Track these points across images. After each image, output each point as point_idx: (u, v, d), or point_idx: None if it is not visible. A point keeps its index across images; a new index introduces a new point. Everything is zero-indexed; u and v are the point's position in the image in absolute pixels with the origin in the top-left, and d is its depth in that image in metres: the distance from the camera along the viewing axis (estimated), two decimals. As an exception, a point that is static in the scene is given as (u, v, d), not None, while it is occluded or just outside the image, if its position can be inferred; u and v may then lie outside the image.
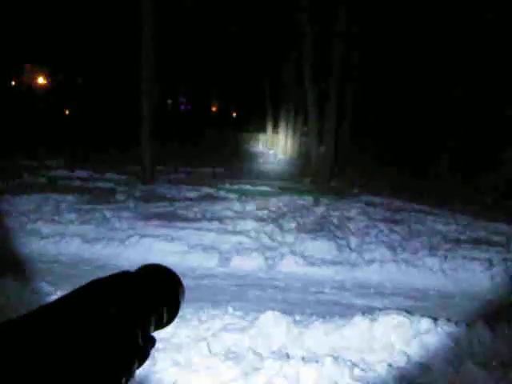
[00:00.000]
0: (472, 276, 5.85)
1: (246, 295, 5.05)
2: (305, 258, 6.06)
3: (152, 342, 0.62)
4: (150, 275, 0.68)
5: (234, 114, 38.98)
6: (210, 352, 3.52)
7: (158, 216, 7.84)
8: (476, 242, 7.31)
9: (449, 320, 4.18)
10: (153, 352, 0.60)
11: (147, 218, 7.65)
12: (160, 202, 9.11)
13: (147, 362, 0.59)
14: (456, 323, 4.09)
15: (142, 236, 6.48)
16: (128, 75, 18.26)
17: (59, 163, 14.10)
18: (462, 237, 7.69)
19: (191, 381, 3.23)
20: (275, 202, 9.47)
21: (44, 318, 0.49)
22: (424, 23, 15.28)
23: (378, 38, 16.10)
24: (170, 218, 7.79)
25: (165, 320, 0.67)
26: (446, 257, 6.23)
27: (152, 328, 0.63)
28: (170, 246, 6.27)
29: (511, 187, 13.67)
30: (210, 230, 6.99)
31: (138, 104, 12.29)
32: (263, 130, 24.94)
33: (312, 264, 5.97)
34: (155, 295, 0.66)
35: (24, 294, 4.38)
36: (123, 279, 0.62)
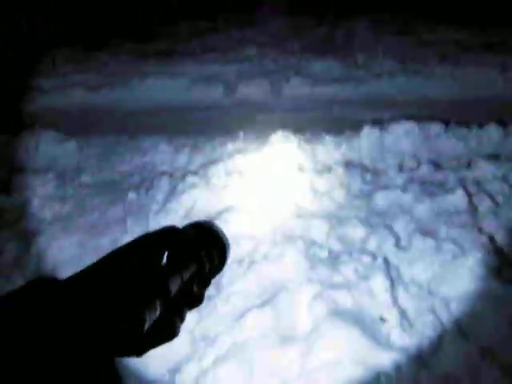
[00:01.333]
0: (485, 80, 5.68)
1: (255, 121, 5.01)
2: (311, 78, 5.86)
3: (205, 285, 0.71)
4: (198, 230, 0.73)
5: None
6: (226, 172, 3.61)
7: (157, 54, 7.44)
8: (489, 47, 6.94)
9: (459, 123, 4.17)
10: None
11: (146, 57, 7.27)
12: (157, 40, 8.57)
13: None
14: (467, 125, 4.09)
15: (144, 76, 6.24)
16: None
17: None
18: (475, 42, 7.28)
19: (210, 199, 3.37)
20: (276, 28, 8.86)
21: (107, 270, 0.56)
22: None
23: None
24: (169, 54, 7.40)
25: (216, 262, 0.73)
26: (458, 63, 5.98)
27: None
28: (173, 82, 6.08)
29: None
30: (212, 62, 6.68)
31: None
32: None
33: (318, 84, 5.79)
34: (203, 243, 0.71)
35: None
36: (172, 234, 0.67)
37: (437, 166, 3.47)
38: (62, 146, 4.40)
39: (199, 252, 0.69)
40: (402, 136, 3.93)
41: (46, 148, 4.37)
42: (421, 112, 4.89)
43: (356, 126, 4.25)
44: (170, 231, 0.67)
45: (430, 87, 5.56)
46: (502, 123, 4.00)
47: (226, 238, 0.76)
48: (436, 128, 4.02)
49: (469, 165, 3.48)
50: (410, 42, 7.22)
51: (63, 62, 7.36)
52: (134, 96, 6.02)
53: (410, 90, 5.53)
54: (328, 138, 3.97)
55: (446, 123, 4.14)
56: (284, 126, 4.66)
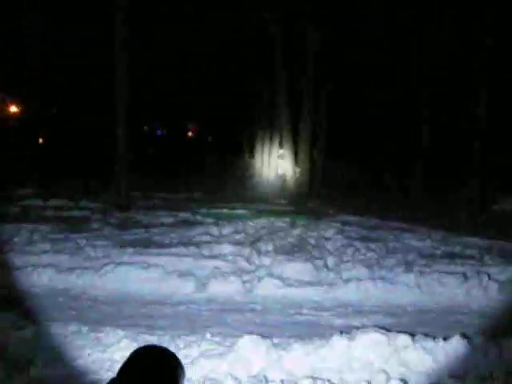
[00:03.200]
0: (448, 290, 5.92)
1: (224, 320, 5.00)
2: (282, 280, 6.05)
3: None
4: (137, 371, 0.70)
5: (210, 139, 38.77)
6: (188, 380, 3.45)
7: (134, 243, 7.75)
8: (450, 257, 7.43)
9: (426, 335, 4.22)
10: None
11: (122, 245, 7.55)
12: (136, 229, 9.02)
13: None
14: (433, 338, 4.13)
15: (118, 264, 6.39)
16: (103, 103, 18.19)
17: (32, 192, 13.88)
18: (437, 252, 7.81)
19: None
20: (252, 225, 9.48)
21: None
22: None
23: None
24: (145, 244, 7.71)
25: None
26: (421, 272, 6.30)
27: None
28: (145, 273, 6.19)
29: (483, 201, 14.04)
30: (186, 256, 6.94)
31: (113, 133, 12.28)
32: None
33: (290, 285, 5.96)
34: None
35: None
36: None
37: (405, 382, 3.39)
38: (17, 332, 4.21)
39: None
40: (370, 347, 3.91)
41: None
42: (388, 320, 4.99)
43: (325, 334, 4.26)
44: None
45: (395, 294, 5.75)
46: (465, 336, 4.06)
47: (179, 368, 0.72)
48: (403, 339, 4.04)
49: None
50: (377, 248, 7.70)
51: (41, 238, 7.62)
52: (103, 283, 6.05)
53: (376, 296, 5.70)
54: (296, 346, 3.93)
55: (413, 334, 4.18)
56: (253, 328, 4.65)
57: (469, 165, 14.25)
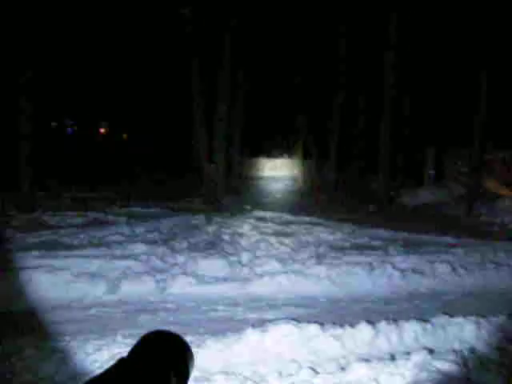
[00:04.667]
0: (356, 280, 6.21)
1: (136, 321, 4.84)
2: (197, 278, 5.99)
3: None
4: (150, 353, 0.71)
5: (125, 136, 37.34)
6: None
7: (39, 246, 7.27)
8: (359, 248, 7.81)
9: (335, 323, 4.39)
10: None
11: (26, 248, 7.05)
12: (41, 231, 8.47)
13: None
14: (341, 326, 4.30)
15: (20, 269, 5.95)
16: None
17: None
18: (347, 244, 8.16)
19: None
20: (166, 223, 9.30)
21: None
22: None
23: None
24: (52, 246, 7.26)
25: None
26: (332, 264, 6.55)
27: None
28: (52, 277, 5.82)
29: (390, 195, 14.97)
30: (96, 257, 6.62)
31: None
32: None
33: (204, 283, 5.92)
34: (156, 374, 0.69)
35: None
36: (120, 370, 0.66)
37: (314, 370, 3.49)
38: None
39: None
40: (282, 338, 3.99)
41: None
42: (300, 311, 5.13)
43: (238, 328, 4.28)
44: (117, 369, 0.66)
45: (307, 286, 5.93)
46: (370, 322, 4.28)
47: (189, 354, 0.73)
48: (313, 329, 4.16)
49: (343, 368, 3.56)
50: (290, 242, 7.89)
51: None
52: (4, 292, 5.60)
53: (289, 289, 5.84)
54: (209, 343, 3.90)
55: (323, 323, 4.33)
56: (167, 327, 4.54)
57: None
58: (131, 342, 4.07)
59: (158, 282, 5.86)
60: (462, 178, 15.73)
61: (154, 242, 7.58)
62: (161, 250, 7.05)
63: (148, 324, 4.74)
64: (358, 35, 15.92)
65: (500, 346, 4.06)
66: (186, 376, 0.74)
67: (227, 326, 4.54)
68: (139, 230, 8.58)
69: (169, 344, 0.75)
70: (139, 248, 7.11)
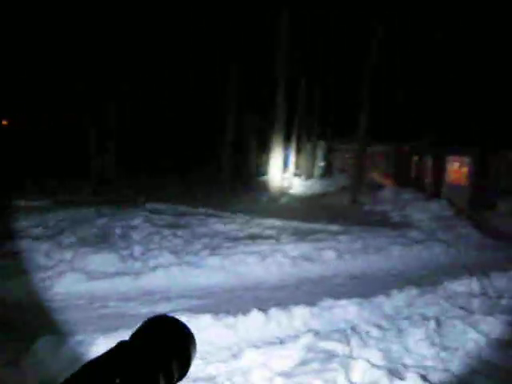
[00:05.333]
0: (249, 269, 6.34)
1: (17, 324, 4.46)
2: (86, 274, 5.70)
3: None
4: (151, 337, 0.71)
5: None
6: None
7: None
8: (252, 238, 7.97)
9: (228, 312, 4.43)
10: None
11: None
12: None
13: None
14: (234, 314, 4.36)
15: None
16: None
17: None
18: (240, 234, 8.29)
19: None
20: (53, 217, 8.71)
21: None
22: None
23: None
24: None
25: (176, 376, 0.70)
26: (226, 255, 6.61)
27: None
28: None
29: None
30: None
31: None
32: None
33: (94, 278, 5.65)
34: (158, 357, 0.67)
35: None
36: (120, 352, 0.64)
37: (207, 360, 3.51)
38: None
39: (153, 372, 0.63)
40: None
41: None
42: (195, 302, 5.12)
43: (131, 324, 4.14)
44: (117, 352, 0.62)
45: (202, 277, 5.93)
46: (261, 309, 4.41)
47: (191, 338, 0.72)
48: (206, 319, 4.17)
49: (235, 355, 3.63)
50: (183, 234, 7.82)
51: None
52: None
53: (183, 281, 5.80)
54: (100, 341, 3.73)
55: (217, 313, 4.36)
56: (54, 328, 4.28)
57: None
58: (13, 345, 3.76)
59: (43, 280, 5.47)
60: (349, 169, 16.79)
61: (38, 238, 7.06)
62: (46, 245, 6.58)
63: (30, 326, 4.40)
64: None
65: (378, 323, 4.41)
66: (188, 361, 0.74)
67: (119, 323, 4.38)
68: (23, 224, 7.93)
69: (171, 328, 0.75)
70: (22, 245, 6.57)
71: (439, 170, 15.47)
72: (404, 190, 14.81)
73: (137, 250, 6.60)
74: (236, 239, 7.84)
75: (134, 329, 0.79)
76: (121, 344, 0.69)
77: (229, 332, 4.13)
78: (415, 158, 17.32)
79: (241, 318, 4.29)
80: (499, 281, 6.14)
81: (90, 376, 0.60)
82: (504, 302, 5.29)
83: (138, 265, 6.13)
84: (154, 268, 5.98)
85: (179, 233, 7.72)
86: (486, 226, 11.00)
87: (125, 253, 6.45)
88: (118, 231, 7.66)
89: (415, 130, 16.72)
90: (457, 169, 15.43)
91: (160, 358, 0.69)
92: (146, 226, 8.08)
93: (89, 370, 0.62)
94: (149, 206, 10.57)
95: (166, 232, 7.66)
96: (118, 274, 5.90)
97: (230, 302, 5.23)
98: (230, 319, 4.25)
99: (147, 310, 4.89)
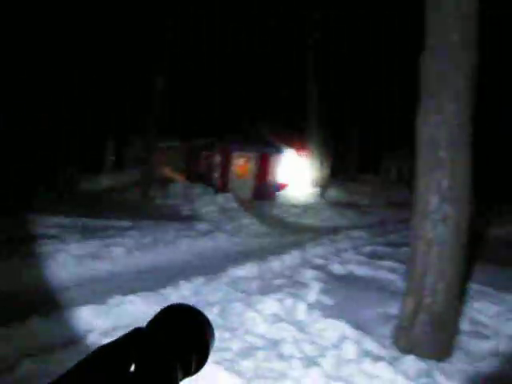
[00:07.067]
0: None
1: None
2: None
3: None
4: (170, 325, 0.66)
5: None
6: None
7: None
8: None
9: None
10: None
11: None
12: None
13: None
14: (8, 322, 3.97)
15: None
16: None
17: None
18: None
19: None
20: None
21: None
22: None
23: None
24: None
25: (193, 367, 0.65)
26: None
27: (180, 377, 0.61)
28: None
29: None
30: None
31: None
32: None
33: None
34: (177, 347, 0.64)
35: None
36: (136, 338, 0.60)
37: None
38: None
39: (171, 362, 0.60)
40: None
41: None
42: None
43: None
44: (133, 339, 0.59)
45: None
46: (41, 315, 4.12)
47: (210, 330, 0.68)
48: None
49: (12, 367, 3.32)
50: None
51: None
52: None
53: None
54: None
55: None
56: None
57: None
58: None
59: None
60: (139, 164, 16.62)
61: None
62: None
63: None
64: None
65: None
66: (206, 353, 0.69)
67: None
68: None
69: (191, 318, 0.70)
70: None
71: (226, 165, 16.53)
72: (194, 184, 15.48)
73: None
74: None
75: (151, 316, 0.73)
76: (137, 330, 0.63)
77: (1, 343, 3.73)
78: (205, 153, 18.12)
79: (16, 326, 3.93)
80: (274, 264, 6.96)
81: (104, 360, 0.56)
82: (277, 282, 6.00)
83: None
84: None
85: None
86: (267, 216, 12.30)
87: None
88: None
89: (206, 127, 17.63)
90: (242, 164, 16.73)
91: (179, 348, 0.65)
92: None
93: (103, 353, 0.57)
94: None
95: None
96: None
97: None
98: (3, 330, 3.85)
99: None
